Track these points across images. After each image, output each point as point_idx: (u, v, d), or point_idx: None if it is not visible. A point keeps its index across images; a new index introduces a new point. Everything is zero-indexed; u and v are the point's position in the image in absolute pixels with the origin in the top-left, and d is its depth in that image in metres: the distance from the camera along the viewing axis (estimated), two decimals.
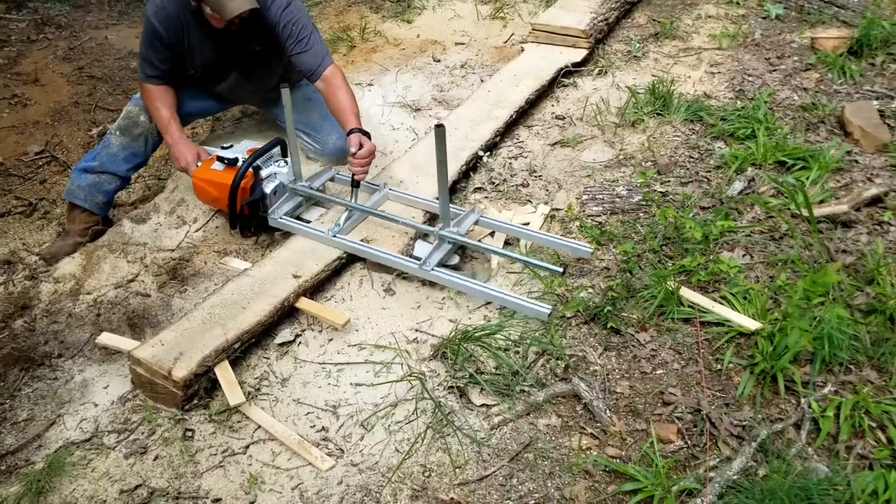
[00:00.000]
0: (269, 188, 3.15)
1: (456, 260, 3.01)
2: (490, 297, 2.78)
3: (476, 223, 3.08)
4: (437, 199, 3.19)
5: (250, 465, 2.33)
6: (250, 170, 3.09)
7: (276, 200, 3.19)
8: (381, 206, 3.22)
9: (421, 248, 3.05)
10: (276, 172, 3.20)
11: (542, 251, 3.01)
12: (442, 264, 2.90)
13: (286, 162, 3.25)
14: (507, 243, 3.11)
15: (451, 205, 3.03)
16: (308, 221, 3.23)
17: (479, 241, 3.05)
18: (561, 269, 2.70)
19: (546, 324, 2.65)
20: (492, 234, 3.15)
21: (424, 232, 3.07)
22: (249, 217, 3.17)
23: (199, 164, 3.18)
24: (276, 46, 3.24)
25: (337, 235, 3.01)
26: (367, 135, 3.10)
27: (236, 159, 3.13)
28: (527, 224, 3.15)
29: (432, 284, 2.94)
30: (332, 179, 3.38)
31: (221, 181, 3.08)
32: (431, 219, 3.25)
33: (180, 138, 3.25)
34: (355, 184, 3.09)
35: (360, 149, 3.03)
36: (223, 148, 3.26)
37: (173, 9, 3.08)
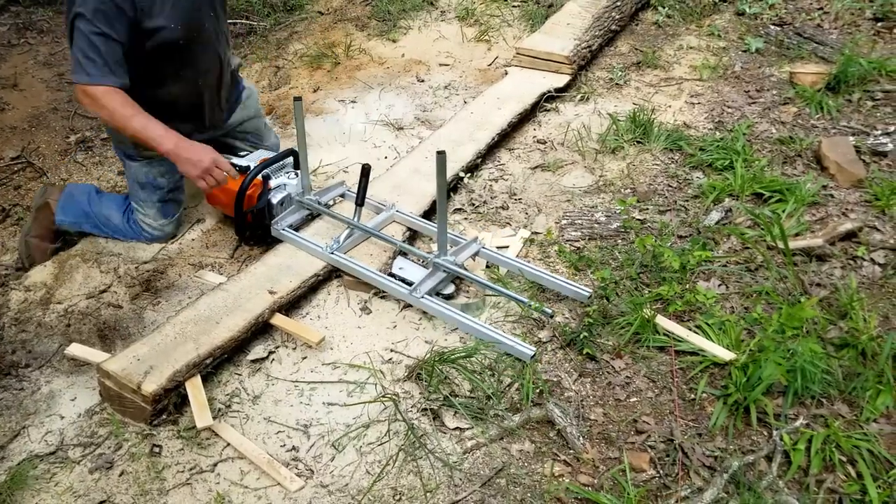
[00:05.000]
0: (276, 198, 3.14)
1: (451, 289, 2.94)
2: (476, 332, 2.72)
3: (476, 255, 3.01)
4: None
5: (218, 483, 2.29)
6: (259, 178, 3.09)
7: (281, 211, 3.18)
8: (386, 226, 3.20)
9: (401, 265, 3.02)
10: (285, 183, 3.20)
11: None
12: (437, 292, 2.88)
13: (297, 174, 3.25)
14: (487, 267, 3.09)
15: (454, 234, 3.04)
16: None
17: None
18: (527, 301, 2.70)
19: (526, 364, 2.61)
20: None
21: (422, 257, 3.01)
22: (254, 225, 3.15)
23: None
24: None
25: (334, 252, 2.99)
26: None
27: (248, 167, 3.14)
28: (506, 248, 3.15)
29: (409, 304, 2.92)
30: (342, 196, 3.38)
31: (230, 187, 3.08)
32: (411, 237, 3.24)
33: (183, 138, 2.87)
34: (359, 202, 3.08)
35: None
36: (239, 156, 3.27)
37: None
